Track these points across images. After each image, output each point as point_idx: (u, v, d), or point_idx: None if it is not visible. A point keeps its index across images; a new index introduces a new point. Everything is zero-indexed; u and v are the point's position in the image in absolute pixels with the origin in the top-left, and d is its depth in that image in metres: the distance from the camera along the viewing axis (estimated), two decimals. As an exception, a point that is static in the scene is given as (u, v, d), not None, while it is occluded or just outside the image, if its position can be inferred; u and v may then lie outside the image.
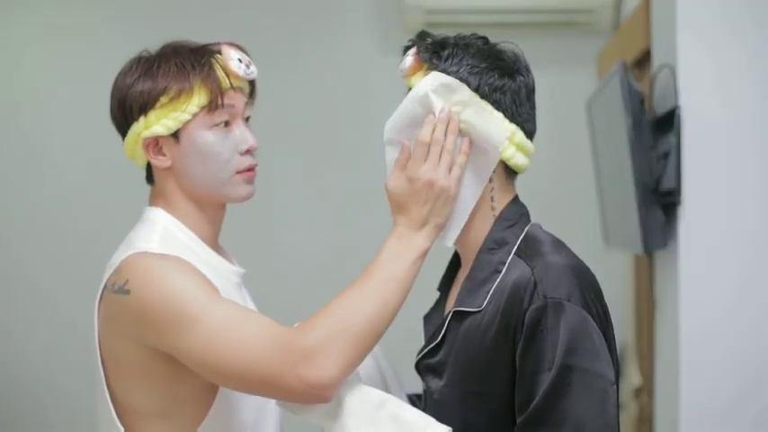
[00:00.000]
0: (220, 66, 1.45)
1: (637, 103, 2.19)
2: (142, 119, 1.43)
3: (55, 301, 3.36)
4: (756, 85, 2.11)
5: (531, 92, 1.42)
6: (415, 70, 1.40)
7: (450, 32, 1.45)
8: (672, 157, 2.11)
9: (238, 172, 1.46)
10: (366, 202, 3.41)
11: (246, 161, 1.47)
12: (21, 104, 3.45)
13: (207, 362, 1.30)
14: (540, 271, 1.32)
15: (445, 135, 1.35)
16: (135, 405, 1.41)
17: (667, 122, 2.15)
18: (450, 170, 1.35)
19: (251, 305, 1.57)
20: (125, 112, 1.44)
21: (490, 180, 1.40)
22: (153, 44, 1.50)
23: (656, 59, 2.33)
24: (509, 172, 1.43)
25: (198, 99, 1.42)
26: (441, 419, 1.32)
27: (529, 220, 1.45)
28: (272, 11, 3.38)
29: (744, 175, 2.11)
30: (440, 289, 1.56)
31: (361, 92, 3.39)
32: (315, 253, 3.39)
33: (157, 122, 1.42)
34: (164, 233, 1.43)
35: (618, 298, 3.04)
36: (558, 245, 1.40)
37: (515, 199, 1.45)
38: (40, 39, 3.46)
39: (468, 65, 1.37)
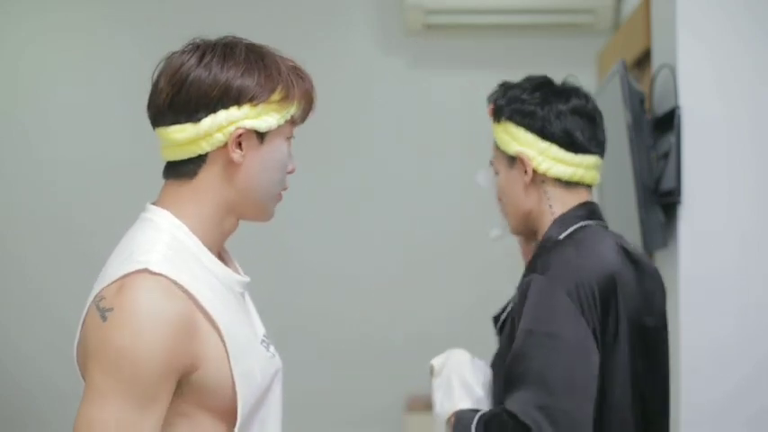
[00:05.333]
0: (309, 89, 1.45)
1: (637, 103, 2.19)
2: (246, 107, 1.35)
3: (55, 301, 3.36)
4: (756, 85, 2.11)
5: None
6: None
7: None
8: (672, 156, 2.11)
9: (280, 191, 1.45)
10: (365, 202, 3.42)
11: (286, 183, 1.46)
12: (21, 104, 3.45)
13: None
14: (548, 257, 1.55)
15: None
16: None
17: (667, 122, 2.15)
18: None
19: (253, 314, 1.53)
20: (223, 97, 1.34)
21: (545, 192, 1.65)
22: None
23: (656, 59, 2.33)
24: (562, 182, 1.65)
25: (295, 108, 1.41)
26: (494, 384, 1.63)
27: (581, 221, 1.63)
28: (272, 11, 3.38)
29: (743, 174, 2.11)
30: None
31: (361, 92, 3.39)
32: (312, 253, 3.39)
33: (259, 117, 1.36)
34: (170, 241, 1.34)
35: (618, 298, 3.03)
36: (587, 245, 1.57)
37: (580, 204, 1.65)
38: (40, 38, 3.45)
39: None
